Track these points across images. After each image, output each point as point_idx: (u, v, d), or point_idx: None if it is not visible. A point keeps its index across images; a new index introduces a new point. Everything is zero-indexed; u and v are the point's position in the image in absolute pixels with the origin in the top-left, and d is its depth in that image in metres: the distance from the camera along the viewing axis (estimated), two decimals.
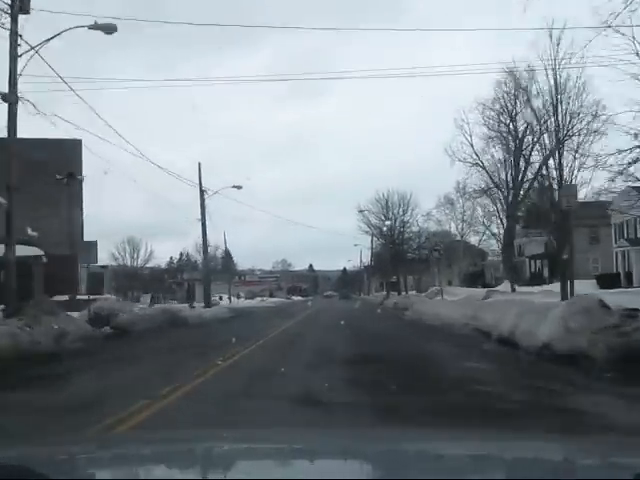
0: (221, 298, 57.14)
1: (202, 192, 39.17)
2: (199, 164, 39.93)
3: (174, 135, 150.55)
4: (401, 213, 63.46)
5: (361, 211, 64.17)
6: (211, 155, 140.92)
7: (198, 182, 38.99)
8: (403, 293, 56.40)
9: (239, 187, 40.57)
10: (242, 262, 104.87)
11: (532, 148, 33.33)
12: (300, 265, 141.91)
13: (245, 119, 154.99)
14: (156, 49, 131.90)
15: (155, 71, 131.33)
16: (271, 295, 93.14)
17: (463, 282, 58.96)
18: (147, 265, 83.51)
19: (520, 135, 34.69)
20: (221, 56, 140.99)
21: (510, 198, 36.00)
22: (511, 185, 35.84)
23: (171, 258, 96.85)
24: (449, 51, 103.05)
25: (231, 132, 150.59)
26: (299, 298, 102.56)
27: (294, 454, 2.24)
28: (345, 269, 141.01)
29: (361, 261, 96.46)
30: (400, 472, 1.97)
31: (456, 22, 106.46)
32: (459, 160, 37.12)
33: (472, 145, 36.76)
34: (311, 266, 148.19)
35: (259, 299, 73.47)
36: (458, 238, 55.61)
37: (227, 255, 74.98)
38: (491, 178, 36.63)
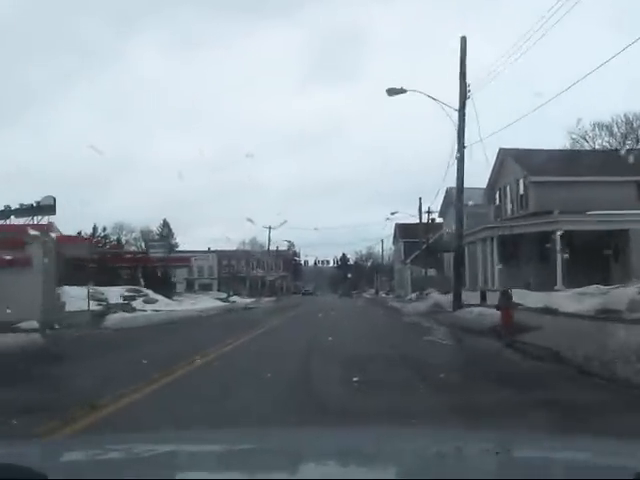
0: None
1: None
2: None
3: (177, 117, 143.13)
4: None
5: None
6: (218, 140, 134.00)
7: None
8: None
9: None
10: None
11: None
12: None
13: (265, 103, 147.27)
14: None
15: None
16: None
17: None
18: None
19: None
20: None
21: None
22: None
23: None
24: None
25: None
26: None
27: (292, 454, 2.24)
28: (344, 255, 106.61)
29: (396, 230, 59.97)
30: (400, 472, 1.98)
31: None
32: None
33: None
34: (291, 246, 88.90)
35: None
36: None
37: None
38: None
